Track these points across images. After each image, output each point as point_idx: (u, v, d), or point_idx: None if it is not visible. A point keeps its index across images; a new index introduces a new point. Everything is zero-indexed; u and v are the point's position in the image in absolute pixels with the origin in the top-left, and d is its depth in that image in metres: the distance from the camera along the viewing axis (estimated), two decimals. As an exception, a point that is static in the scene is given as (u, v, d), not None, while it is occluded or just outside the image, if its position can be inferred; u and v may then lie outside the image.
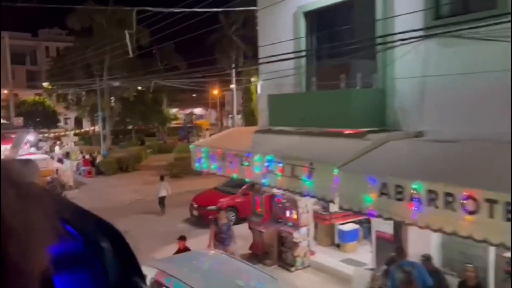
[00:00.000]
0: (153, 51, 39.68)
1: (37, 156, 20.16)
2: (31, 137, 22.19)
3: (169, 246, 12.93)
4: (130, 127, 43.77)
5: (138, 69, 35.53)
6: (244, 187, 15.06)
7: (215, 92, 76.08)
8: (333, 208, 10.19)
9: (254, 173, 8.26)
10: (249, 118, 28.20)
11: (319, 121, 8.43)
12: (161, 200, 16.72)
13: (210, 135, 44.78)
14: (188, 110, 79.70)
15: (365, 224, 10.65)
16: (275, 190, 10.24)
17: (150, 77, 32.11)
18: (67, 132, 27.41)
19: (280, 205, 10.64)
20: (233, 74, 57.70)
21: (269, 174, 7.83)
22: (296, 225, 10.09)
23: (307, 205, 10.13)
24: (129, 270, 0.71)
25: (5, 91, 48.60)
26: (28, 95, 46.67)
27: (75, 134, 26.60)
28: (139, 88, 38.79)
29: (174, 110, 59.58)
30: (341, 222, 10.65)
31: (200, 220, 14.82)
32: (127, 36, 12.97)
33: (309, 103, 9.05)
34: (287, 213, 10.29)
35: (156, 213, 16.67)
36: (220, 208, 11.02)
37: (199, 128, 49.26)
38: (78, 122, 63.67)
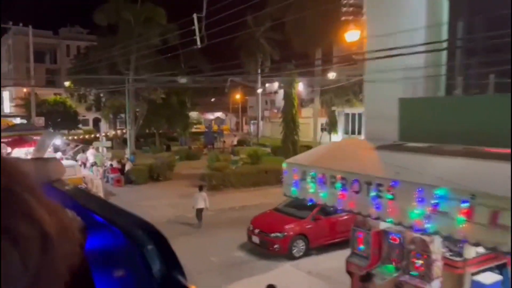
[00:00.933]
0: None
1: (65, 162, 17.91)
2: (57, 140, 19.98)
3: (231, 285, 10.48)
4: (152, 131, 41.60)
5: (164, 69, 33.39)
6: (314, 210, 12.56)
7: (238, 96, 74.03)
8: (470, 252, 7.68)
9: (403, 212, 5.76)
10: (289, 125, 25.69)
11: (474, 137, 6.05)
12: (199, 213, 14.86)
13: (238, 141, 42.39)
14: (208, 114, 77.58)
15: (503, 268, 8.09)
16: (384, 225, 7.77)
17: (179, 78, 29.93)
18: (97, 135, 25.18)
19: (397, 246, 8.08)
20: (259, 78, 55.64)
21: (437, 217, 5.31)
22: (426, 276, 7.52)
23: (439, 248, 7.57)
24: (170, 267, 0.70)
25: (24, 90, 46.95)
26: (46, 95, 44.72)
27: (108, 139, 24.26)
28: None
29: (194, 114, 57.32)
30: (475, 270, 8.06)
31: (263, 248, 12.31)
32: (195, 20, 10.52)
33: (459, 112, 6.57)
34: (412, 259, 7.72)
35: (205, 236, 14.21)
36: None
37: (223, 134, 46.88)
38: (96, 124, 61.88)
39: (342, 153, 7.75)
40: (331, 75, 28.51)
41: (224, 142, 42.58)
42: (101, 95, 37.97)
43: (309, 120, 55.03)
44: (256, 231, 12.36)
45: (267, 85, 67.45)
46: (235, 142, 39.84)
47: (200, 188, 15.60)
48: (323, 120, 54.65)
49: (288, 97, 25.91)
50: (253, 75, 51.24)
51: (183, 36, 30.72)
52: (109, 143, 18.46)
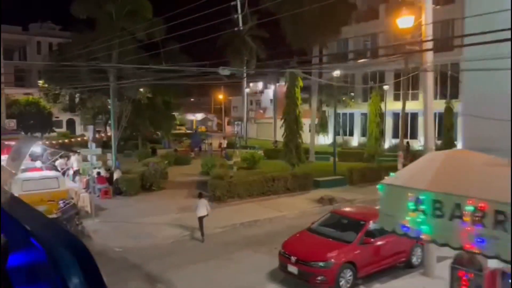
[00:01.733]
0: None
1: (47, 173, 15.27)
2: (36, 147, 17.21)
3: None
4: (134, 133, 38.67)
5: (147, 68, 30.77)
6: (361, 232, 10.43)
7: (220, 96, 71.42)
8: None
9: None
10: (292, 126, 23.51)
11: None
12: (201, 221, 13.60)
13: (225, 145, 39.93)
14: (189, 115, 74.66)
15: None
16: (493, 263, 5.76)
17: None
18: (78, 138, 22.33)
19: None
20: (244, 77, 53.34)
21: None
22: None
23: None
24: (92, 284, 0.69)
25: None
26: (15, 94, 41.03)
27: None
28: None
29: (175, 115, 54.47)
30: None
31: (302, 279, 10.08)
32: (238, 2, 8.13)
33: None
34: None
35: (223, 262, 11.86)
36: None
37: (210, 135, 44.24)
38: (70, 126, 58.21)
39: (463, 171, 5.59)
40: (336, 73, 26.48)
41: (210, 144, 40.08)
42: (77, 95, 34.90)
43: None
44: (293, 258, 10.11)
45: (251, 84, 65.34)
46: (224, 145, 37.33)
47: (200, 195, 14.35)
48: (309, 121, 52.90)
49: (290, 95, 23.69)
50: (252, 70, 48.52)
51: (169, 32, 28.32)
52: (99, 150, 15.82)
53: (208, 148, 39.58)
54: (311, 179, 21.07)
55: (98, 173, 19.21)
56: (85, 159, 18.69)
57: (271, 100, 59.24)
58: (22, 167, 15.31)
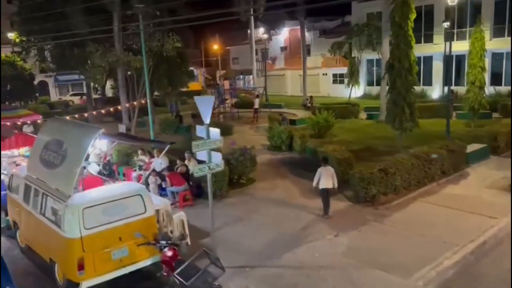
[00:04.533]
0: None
1: (123, 188, 8.22)
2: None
3: None
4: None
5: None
6: None
7: (215, 47, 62.62)
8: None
9: None
10: (403, 77, 16.66)
11: None
12: (325, 196, 10.78)
13: (258, 105, 32.50)
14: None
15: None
16: None
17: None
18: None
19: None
20: (252, 21, 44.88)
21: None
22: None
23: None
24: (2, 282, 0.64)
25: None
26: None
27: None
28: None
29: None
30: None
31: None
32: None
33: None
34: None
35: None
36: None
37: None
38: (43, 90, 49.13)
39: None
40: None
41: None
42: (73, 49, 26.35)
43: (316, 71, 46.18)
44: None
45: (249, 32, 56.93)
46: (257, 105, 30.12)
47: (325, 161, 11.08)
48: (334, 70, 46.10)
49: (400, 32, 16.72)
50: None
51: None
52: (217, 134, 8.57)
53: (233, 110, 32.33)
54: (464, 152, 14.77)
55: (169, 168, 12.16)
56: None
57: (281, 48, 51.57)
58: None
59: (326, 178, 10.66)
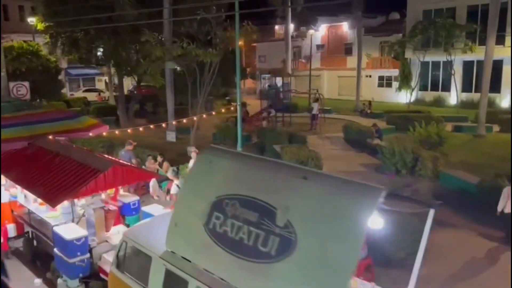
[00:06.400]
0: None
1: None
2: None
3: None
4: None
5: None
6: None
7: (240, 43, 58.31)
8: None
9: None
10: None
11: None
12: None
13: (318, 110, 28.02)
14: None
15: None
16: None
17: None
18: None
19: None
20: (289, 15, 40.62)
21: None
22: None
23: None
24: None
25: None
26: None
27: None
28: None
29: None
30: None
31: None
32: None
33: None
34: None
35: None
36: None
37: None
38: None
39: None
40: None
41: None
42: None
43: (354, 73, 42.02)
44: None
45: (276, 27, 52.78)
46: (315, 110, 25.91)
47: None
48: (380, 72, 42.17)
49: None
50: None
51: None
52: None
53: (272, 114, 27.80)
54: None
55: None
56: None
57: (318, 46, 47.45)
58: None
59: None
